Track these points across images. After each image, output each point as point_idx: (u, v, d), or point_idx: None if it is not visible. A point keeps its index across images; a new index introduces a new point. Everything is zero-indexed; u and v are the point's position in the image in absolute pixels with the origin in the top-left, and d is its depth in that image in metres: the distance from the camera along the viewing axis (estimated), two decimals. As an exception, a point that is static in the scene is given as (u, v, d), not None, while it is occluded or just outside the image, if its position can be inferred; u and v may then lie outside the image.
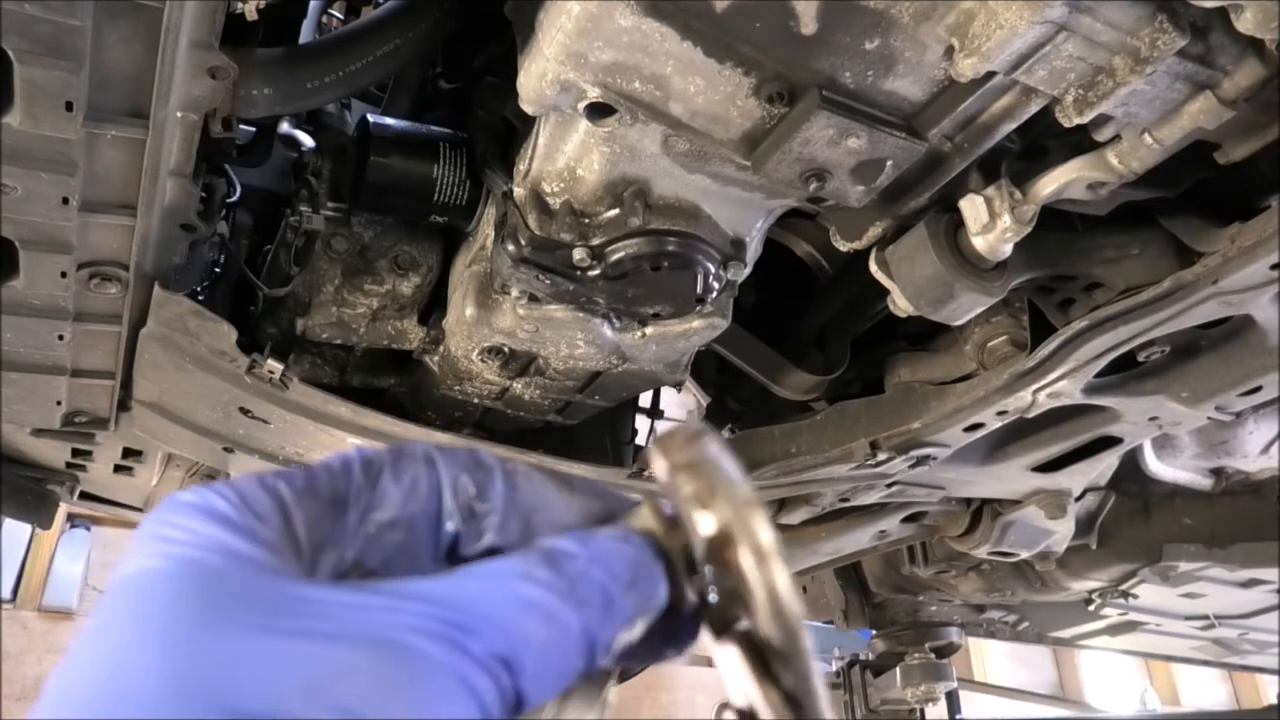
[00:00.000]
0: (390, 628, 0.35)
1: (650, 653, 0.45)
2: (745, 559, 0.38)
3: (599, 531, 0.42)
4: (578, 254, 1.25)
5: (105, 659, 0.34)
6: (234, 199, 1.45)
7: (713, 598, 0.40)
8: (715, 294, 1.35)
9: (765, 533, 0.38)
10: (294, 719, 0.32)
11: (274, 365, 1.47)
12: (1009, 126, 1.12)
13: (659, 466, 0.41)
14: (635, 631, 0.40)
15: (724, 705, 0.41)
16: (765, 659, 0.39)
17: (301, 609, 0.35)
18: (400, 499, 0.42)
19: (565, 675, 0.37)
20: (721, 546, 0.39)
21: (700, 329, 1.46)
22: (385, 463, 0.43)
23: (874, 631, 3.60)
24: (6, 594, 7.02)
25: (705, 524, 0.39)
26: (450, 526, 0.43)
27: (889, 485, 2.00)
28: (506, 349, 1.51)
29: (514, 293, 1.38)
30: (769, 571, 0.38)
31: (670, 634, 0.44)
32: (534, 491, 0.45)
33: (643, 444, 2.10)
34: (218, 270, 1.59)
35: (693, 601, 0.41)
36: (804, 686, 0.38)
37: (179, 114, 1.11)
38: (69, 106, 1.06)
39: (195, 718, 0.32)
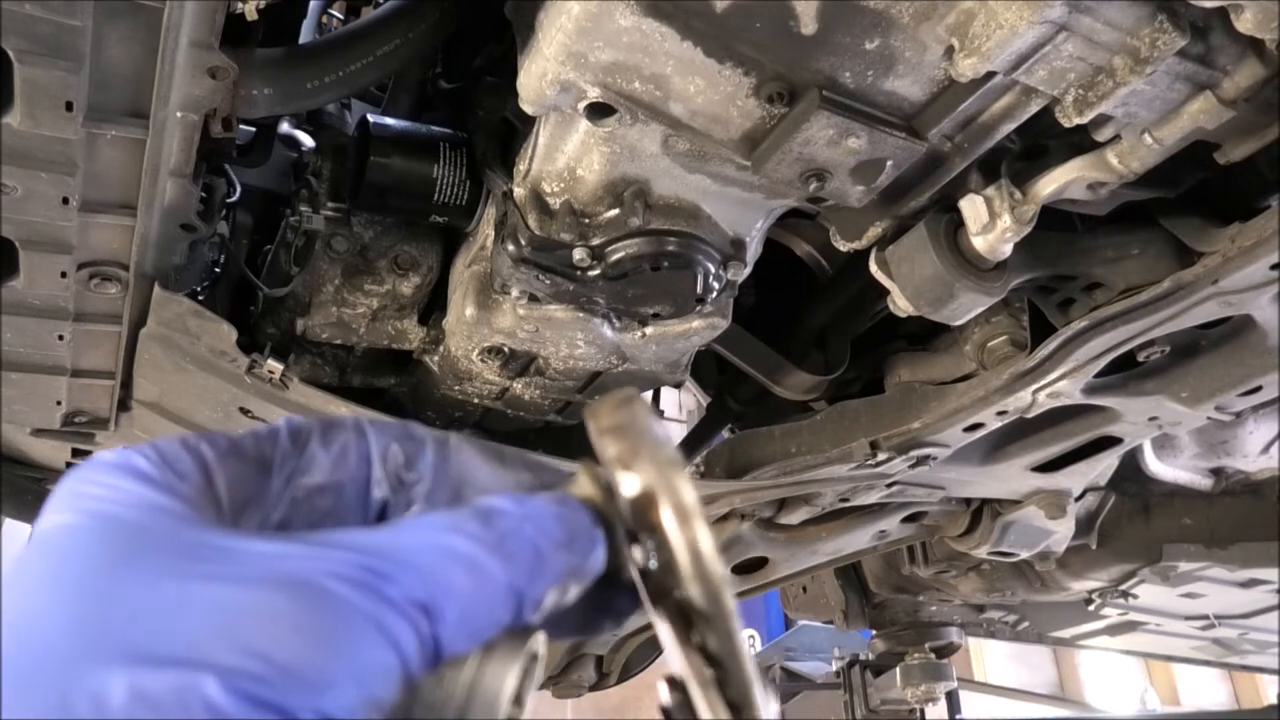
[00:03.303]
0: (307, 572, 0.34)
1: (590, 622, 0.45)
2: (667, 519, 0.38)
3: (537, 495, 0.42)
4: (578, 254, 1.26)
5: (16, 610, 0.33)
6: (234, 199, 1.45)
7: (652, 564, 0.39)
8: (715, 294, 1.35)
9: (687, 492, 0.38)
10: (205, 663, 0.31)
11: (274, 365, 1.47)
12: (1009, 126, 1.12)
13: (590, 430, 0.41)
14: (570, 594, 0.40)
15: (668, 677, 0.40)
16: (692, 622, 0.38)
17: (216, 555, 0.34)
18: (329, 465, 0.42)
19: (488, 627, 0.37)
20: (646, 508, 0.39)
21: (700, 329, 1.46)
22: (314, 430, 0.43)
23: (874, 631, 3.60)
24: (6, 594, 7.02)
25: (629, 485, 0.39)
26: (378, 494, 0.43)
27: (889, 485, 2.00)
28: (506, 349, 1.51)
29: (514, 293, 1.38)
30: (690, 531, 0.37)
31: (609, 604, 0.44)
32: (464, 462, 0.45)
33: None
34: (218, 270, 1.59)
35: (631, 569, 0.41)
36: (727, 648, 0.37)
37: (179, 114, 1.11)
38: (69, 106, 1.06)
39: (104, 664, 0.31)
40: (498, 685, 0.37)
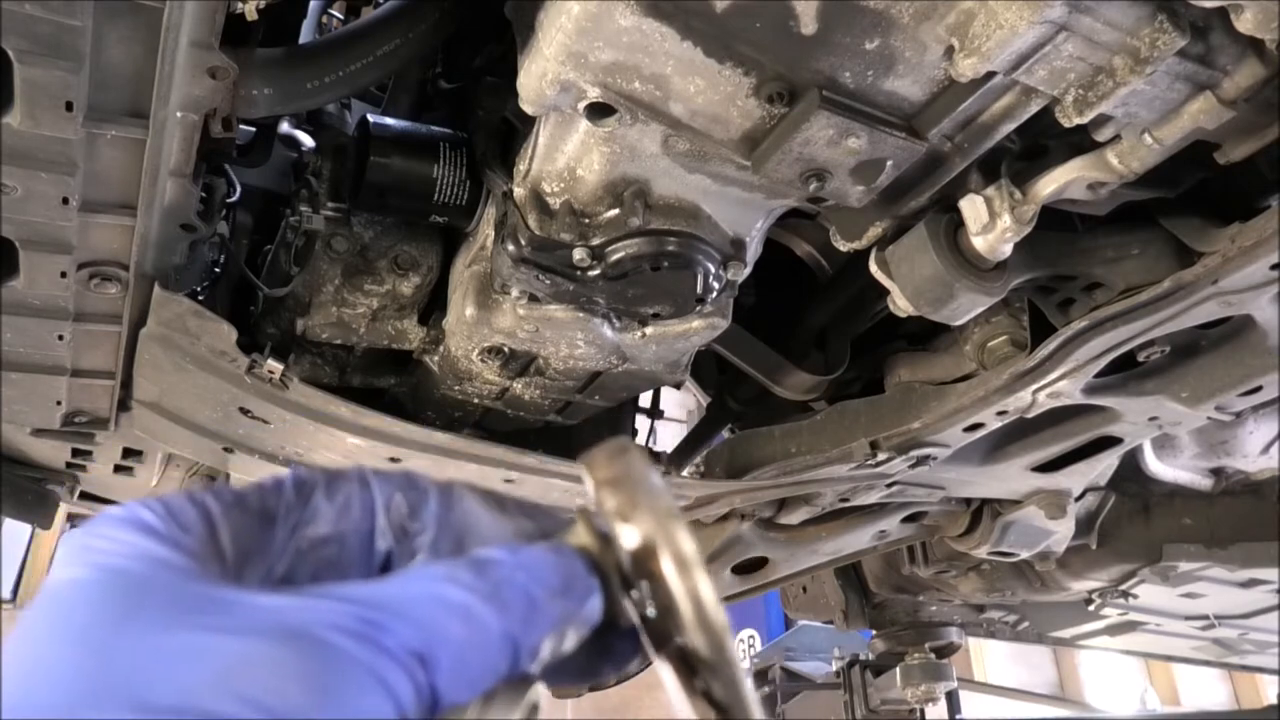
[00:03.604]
0: (305, 624, 0.35)
1: (590, 671, 0.46)
2: (668, 569, 0.38)
3: (532, 544, 0.42)
4: (578, 254, 1.25)
5: (23, 661, 0.34)
6: (234, 199, 1.45)
7: (650, 612, 0.40)
8: (715, 294, 1.35)
9: (687, 543, 0.38)
10: (203, 713, 0.31)
11: (274, 365, 1.47)
12: (1009, 126, 1.12)
13: (586, 483, 0.42)
14: (568, 642, 0.40)
15: None
16: (695, 669, 0.39)
17: (217, 608, 0.35)
18: (333, 517, 0.43)
19: (485, 676, 0.37)
20: (646, 559, 0.39)
21: (700, 329, 1.46)
22: (318, 482, 0.44)
23: (874, 631, 3.60)
24: (6, 594, 7.01)
25: (629, 537, 0.40)
26: (383, 545, 0.43)
27: (889, 485, 2.00)
28: (506, 349, 1.51)
29: (514, 293, 1.38)
30: (691, 580, 0.38)
31: (609, 650, 0.44)
32: (467, 511, 0.45)
33: (642, 444, 2.11)
34: (218, 270, 1.59)
35: (631, 617, 0.41)
36: (732, 695, 0.38)
37: (179, 114, 1.11)
38: (69, 106, 1.06)
39: (106, 713, 0.31)
40: None
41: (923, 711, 4.06)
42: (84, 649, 0.34)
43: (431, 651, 0.36)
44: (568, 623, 0.40)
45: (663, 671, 0.41)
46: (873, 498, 2.08)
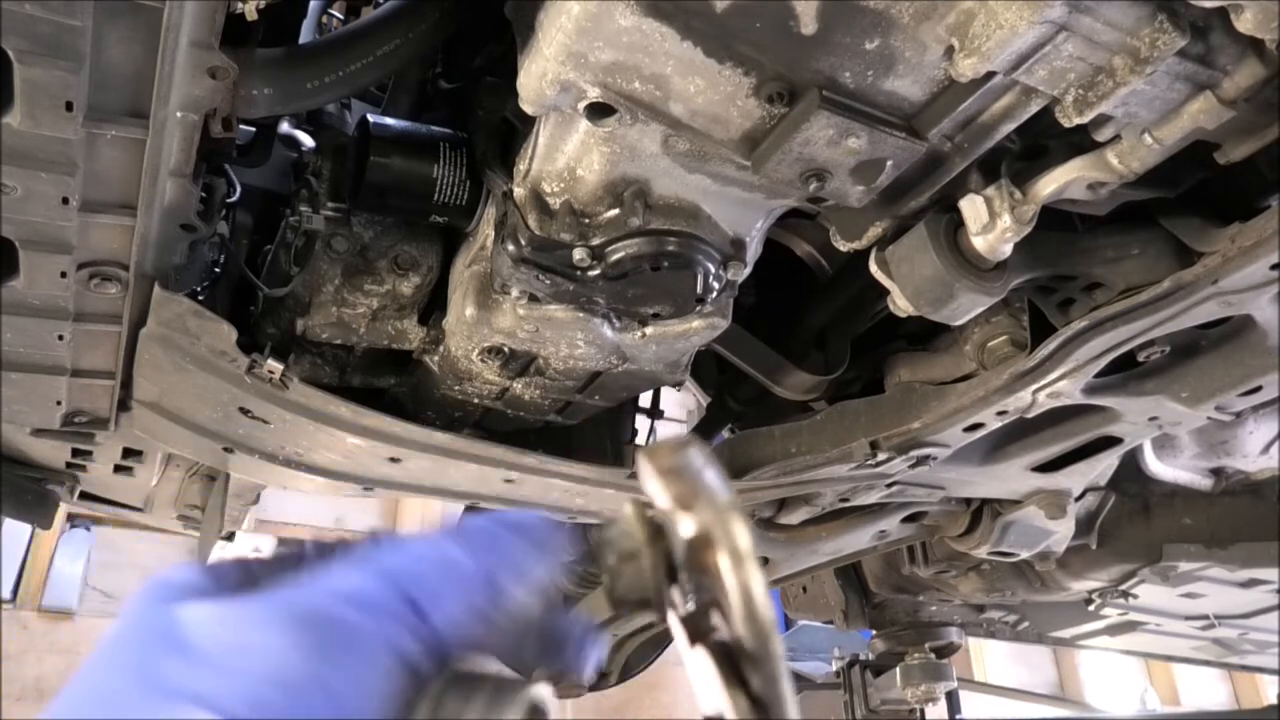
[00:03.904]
0: (308, 602, 0.40)
1: (543, 659, 0.49)
2: (723, 561, 0.39)
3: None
4: (578, 254, 1.25)
5: (88, 673, 0.42)
6: (234, 199, 1.45)
7: (690, 605, 0.41)
8: (715, 294, 1.35)
9: (744, 537, 0.39)
10: (228, 692, 0.37)
11: (274, 365, 1.47)
12: (1009, 126, 1.12)
13: (645, 472, 0.42)
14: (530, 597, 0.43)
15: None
16: (736, 663, 0.39)
17: (237, 603, 0.41)
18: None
19: (472, 611, 0.41)
20: (701, 549, 0.40)
21: (700, 329, 1.46)
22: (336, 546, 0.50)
23: (874, 631, 3.60)
24: (6, 594, 7.01)
25: (686, 527, 0.40)
26: None
27: (889, 485, 2.00)
28: (506, 349, 1.51)
29: (514, 293, 1.38)
30: (744, 573, 0.39)
31: (562, 649, 0.48)
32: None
33: (641, 444, 2.10)
34: (218, 270, 1.59)
35: (669, 611, 0.42)
36: (772, 691, 0.38)
37: (179, 114, 1.11)
38: (69, 106, 1.06)
39: (152, 699, 0.38)
40: None
41: (923, 711, 4.06)
42: (133, 656, 0.41)
43: (418, 595, 0.40)
44: (538, 568, 0.44)
45: (694, 663, 0.41)
46: (873, 498, 2.08)
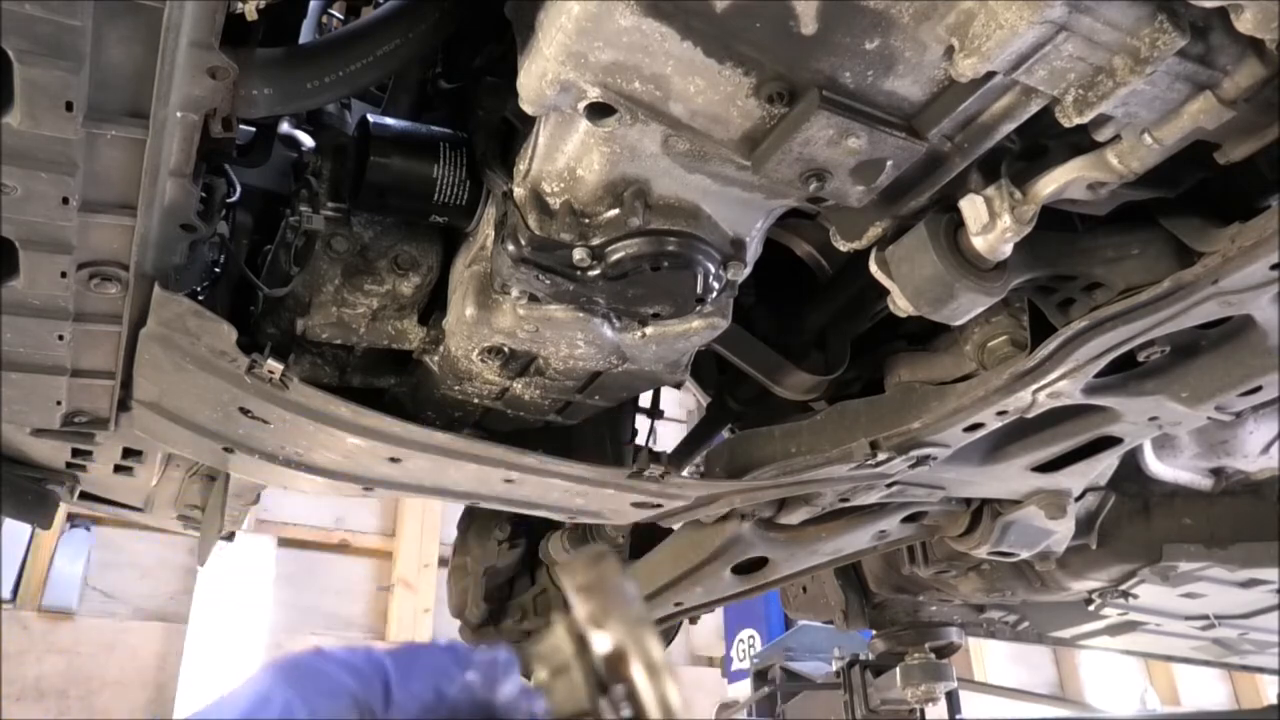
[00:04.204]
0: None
1: None
2: (638, 674, 0.42)
3: None
4: (578, 254, 1.25)
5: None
6: (234, 199, 1.45)
7: (625, 713, 0.43)
8: (715, 294, 1.35)
9: (656, 650, 0.42)
10: None
11: (274, 365, 1.47)
12: (1009, 126, 1.12)
13: (564, 586, 0.45)
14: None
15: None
16: None
17: None
18: None
19: (435, 690, 0.47)
20: (618, 663, 0.42)
21: (700, 329, 1.46)
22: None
23: (874, 631, 3.60)
24: (6, 594, 7.01)
25: (602, 643, 0.43)
26: None
27: (889, 485, 2.00)
28: (506, 349, 1.51)
29: (514, 293, 1.38)
30: (660, 684, 0.41)
31: None
32: None
33: (642, 444, 2.10)
34: (218, 270, 1.59)
35: (606, 716, 0.44)
36: None
37: (179, 114, 1.11)
38: (69, 106, 1.06)
39: None
40: None
41: (923, 711, 4.06)
42: None
43: (391, 668, 0.48)
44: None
45: None
46: (873, 498, 2.08)
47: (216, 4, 0.99)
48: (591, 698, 0.43)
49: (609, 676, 0.43)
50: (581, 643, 0.43)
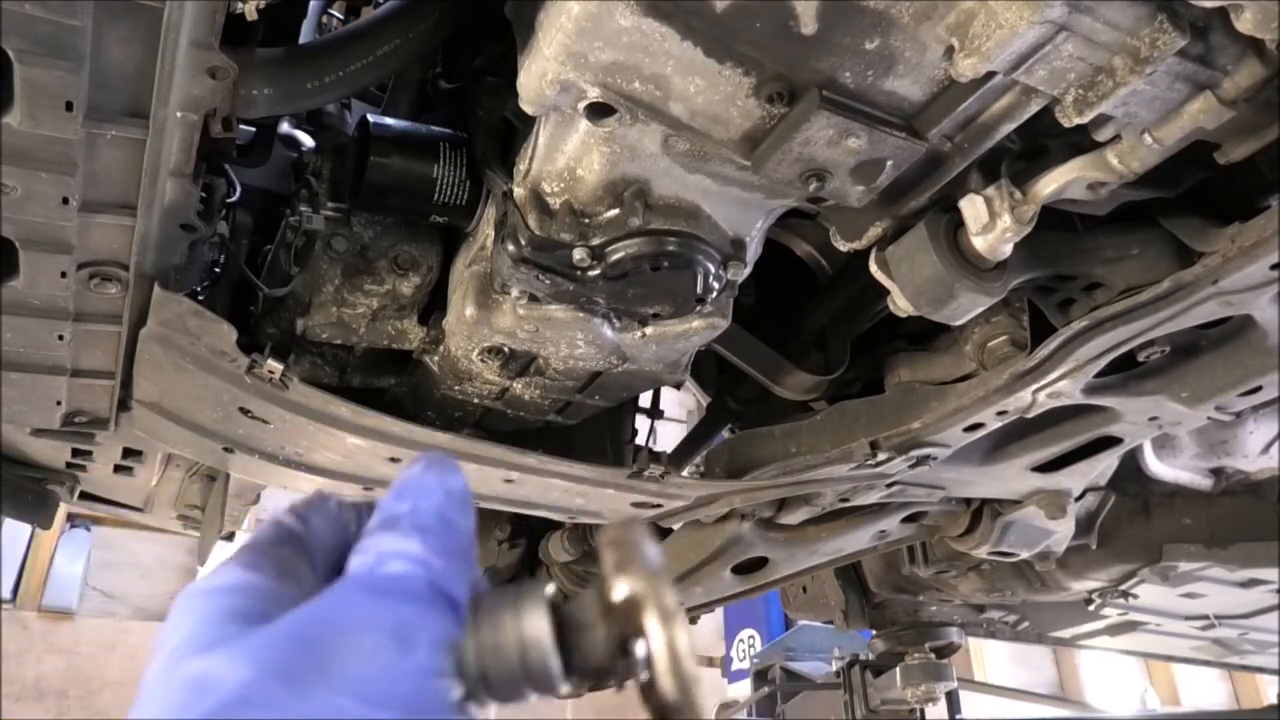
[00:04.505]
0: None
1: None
2: (650, 619, 0.43)
3: None
4: (578, 254, 1.25)
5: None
6: (234, 199, 1.45)
7: (644, 675, 0.43)
8: (715, 294, 1.35)
9: (670, 598, 0.43)
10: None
11: (274, 365, 1.47)
12: (1009, 126, 1.12)
13: (598, 545, 0.47)
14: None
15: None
16: (666, 715, 0.43)
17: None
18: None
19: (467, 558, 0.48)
20: (633, 611, 0.44)
21: (700, 329, 1.46)
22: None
23: (874, 631, 3.60)
24: (6, 594, 7.02)
25: (619, 590, 0.44)
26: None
27: (889, 485, 2.00)
28: (506, 349, 1.51)
29: (514, 293, 1.38)
30: (670, 630, 0.42)
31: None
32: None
33: (642, 444, 2.10)
34: (218, 270, 1.59)
35: (636, 683, 0.45)
36: None
37: (179, 114, 1.11)
38: (69, 106, 1.06)
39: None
40: (535, 629, 0.44)
41: (923, 711, 4.06)
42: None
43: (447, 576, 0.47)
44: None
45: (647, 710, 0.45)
46: (873, 498, 2.08)
47: (216, 4, 0.99)
48: (611, 653, 0.44)
49: (626, 627, 0.44)
50: (607, 609, 0.45)
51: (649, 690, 0.43)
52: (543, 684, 0.44)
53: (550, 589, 0.46)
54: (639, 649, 0.43)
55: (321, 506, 0.53)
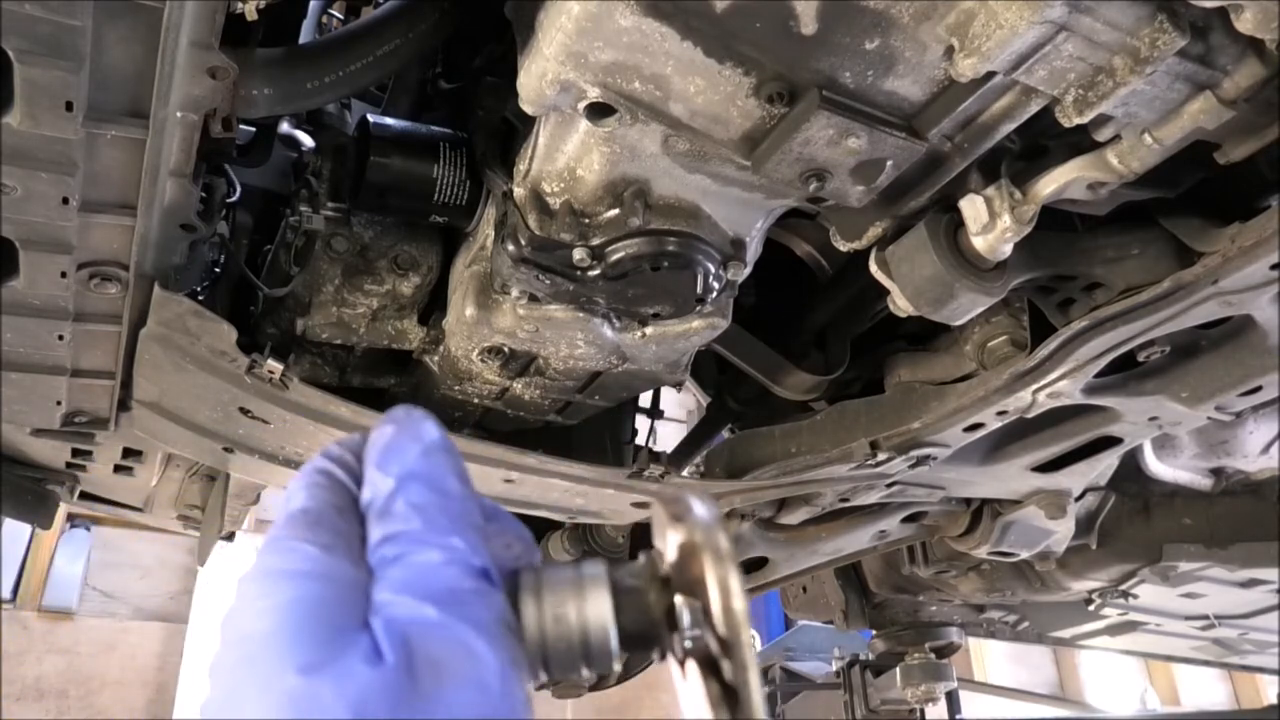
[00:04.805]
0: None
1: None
2: (705, 559, 0.44)
3: None
4: (578, 254, 1.25)
5: None
6: (234, 199, 1.45)
7: (689, 641, 0.44)
8: (715, 294, 1.35)
9: (723, 541, 0.44)
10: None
11: (274, 365, 1.47)
12: (1009, 126, 1.12)
13: (654, 508, 0.48)
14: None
15: None
16: (714, 660, 0.44)
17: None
18: None
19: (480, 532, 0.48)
20: (688, 557, 0.45)
21: (700, 329, 1.46)
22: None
23: (874, 631, 3.60)
24: (6, 594, 7.01)
25: (674, 537, 0.46)
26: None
27: (889, 485, 2.00)
28: (506, 349, 1.51)
29: (514, 293, 1.38)
30: (723, 570, 0.44)
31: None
32: None
33: (642, 444, 2.11)
34: (218, 270, 1.59)
35: (677, 651, 0.46)
36: (742, 677, 0.42)
37: (179, 114, 1.11)
38: (69, 106, 1.06)
39: None
40: (599, 612, 0.45)
41: (923, 711, 4.06)
42: None
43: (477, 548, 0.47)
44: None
45: (681, 678, 0.46)
46: (873, 498, 2.08)
47: (216, 4, 0.99)
48: (660, 617, 0.46)
49: (680, 575, 0.45)
50: (663, 583, 0.46)
51: (698, 646, 0.44)
52: (600, 663, 0.45)
53: (609, 570, 0.47)
54: (685, 617, 0.44)
55: (357, 446, 0.52)
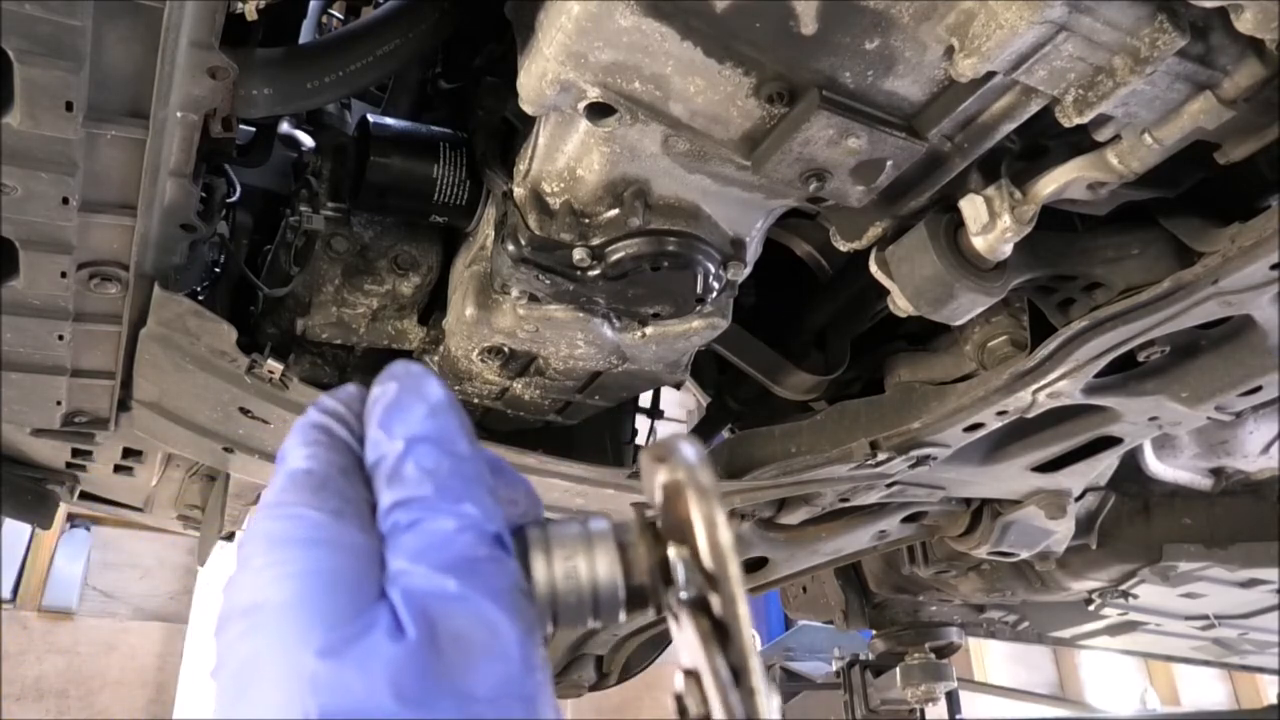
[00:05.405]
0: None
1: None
2: (690, 495, 0.44)
3: None
4: (578, 254, 1.25)
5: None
6: (234, 199, 1.45)
7: (683, 595, 0.45)
8: (715, 294, 1.35)
9: (708, 479, 0.44)
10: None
11: (274, 365, 1.47)
12: (1009, 126, 1.12)
13: (642, 454, 0.49)
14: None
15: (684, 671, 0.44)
16: (705, 602, 0.44)
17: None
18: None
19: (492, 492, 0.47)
20: (673, 496, 0.45)
21: (700, 329, 1.46)
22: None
23: (874, 631, 3.60)
24: (6, 594, 7.01)
25: (661, 476, 0.46)
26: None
27: (889, 485, 2.00)
28: (506, 349, 1.51)
29: (514, 293, 1.38)
30: (709, 506, 0.44)
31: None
32: None
33: (642, 444, 2.11)
34: (218, 270, 1.59)
35: (670, 605, 0.47)
36: (730, 610, 0.42)
37: (179, 114, 1.11)
38: (69, 106, 1.06)
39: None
40: (607, 569, 0.46)
41: (923, 711, 4.06)
42: None
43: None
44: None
45: (677, 628, 0.46)
46: (873, 498, 2.08)
47: (216, 4, 0.99)
48: (651, 567, 0.46)
49: (667, 517, 0.46)
50: (654, 536, 0.47)
51: (692, 599, 0.44)
52: (608, 615, 0.47)
53: (614, 524, 0.48)
54: (680, 571, 0.45)
55: (353, 400, 0.50)
